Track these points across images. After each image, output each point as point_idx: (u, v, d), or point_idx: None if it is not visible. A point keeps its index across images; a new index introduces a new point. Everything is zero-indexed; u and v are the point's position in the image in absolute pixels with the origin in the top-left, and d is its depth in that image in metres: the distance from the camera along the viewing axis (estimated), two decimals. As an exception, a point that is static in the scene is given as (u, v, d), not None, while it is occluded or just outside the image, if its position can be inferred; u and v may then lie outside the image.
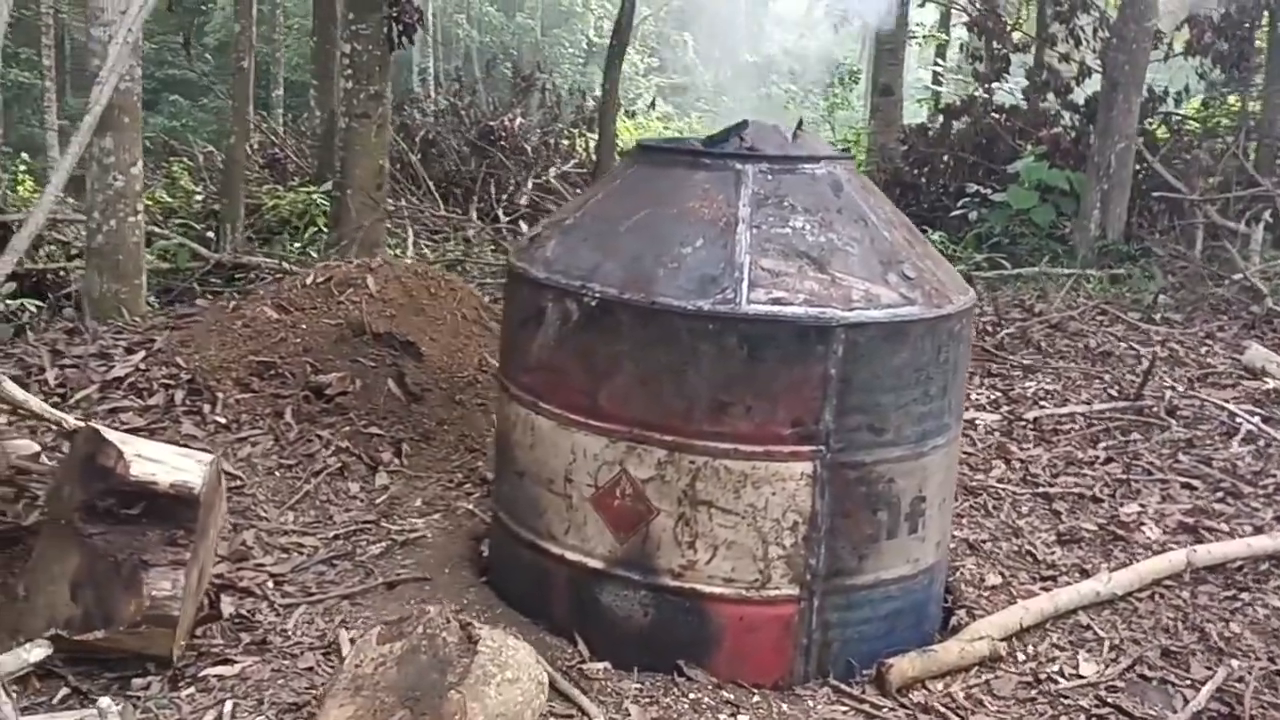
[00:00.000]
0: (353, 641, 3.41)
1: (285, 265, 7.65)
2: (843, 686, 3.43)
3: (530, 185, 11.23)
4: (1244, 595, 4.08)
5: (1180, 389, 6.57)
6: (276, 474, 4.46)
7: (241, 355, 5.00)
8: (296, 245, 9.13)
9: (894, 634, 3.60)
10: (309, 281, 5.43)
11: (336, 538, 4.14)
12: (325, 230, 9.10)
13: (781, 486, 3.33)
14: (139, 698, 3.09)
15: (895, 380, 3.39)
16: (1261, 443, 5.66)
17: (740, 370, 3.27)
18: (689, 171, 3.59)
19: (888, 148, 13.98)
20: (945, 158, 12.99)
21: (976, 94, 13.01)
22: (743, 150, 3.63)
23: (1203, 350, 7.85)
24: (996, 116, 12.61)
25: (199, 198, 10.59)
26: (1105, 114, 10.99)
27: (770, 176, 3.54)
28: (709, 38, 37.50)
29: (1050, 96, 12.48)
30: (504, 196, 11.00)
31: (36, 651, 3.03)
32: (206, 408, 4.73)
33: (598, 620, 3.51)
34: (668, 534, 3.39)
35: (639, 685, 3.36)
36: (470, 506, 4.48)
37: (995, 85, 12.95)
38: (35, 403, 3.32)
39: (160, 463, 3.18)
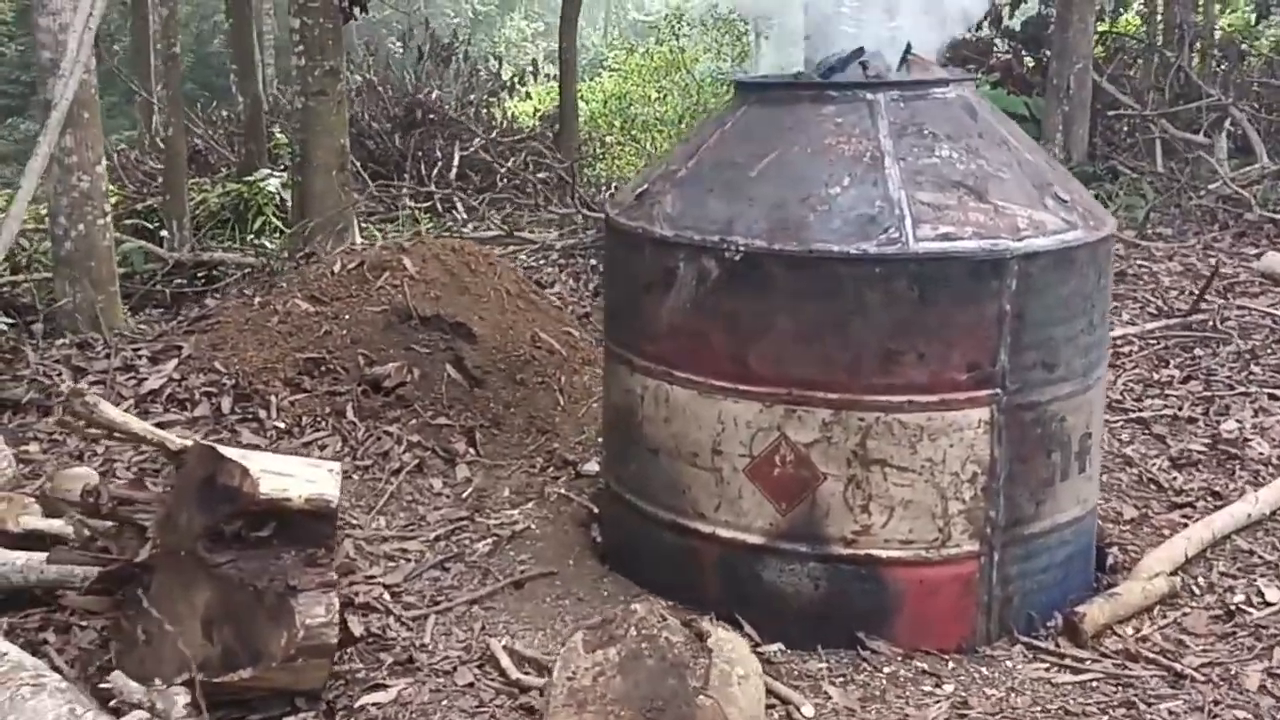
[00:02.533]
0: (507, 650, 3.12)
1: (257, 260, 7.16)
2: (1035, 642, 3.21)
3: (458, 159, 10.70)
4: (1389, 503, 3.95)
5: (1219, 302, 6.48)
6: (354, 477, 4.11)
7: (285, 354, 4.61)
8: (250, 238, 8.60)
9: (1068, 580, 3.40)
10: (337, 269, 5.04)
11: (438, 539, 3.81)
12: (278, 220, 8.60)
13: (959, 436, 3.09)
14: (298, 740, 2.77)
15: (1065, 311, 3.16)
16: (1322, 347, 5.58)
17: (911, 315, 3.01)
18: (814, 106, 3.30)
19: None
20: None
21: None
22: (870, 79, 3.36)
23: (1212, 261, 7.79)
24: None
25: (123, 198, 9.92)
26: (1061, 35, 10.88)
27: (904, 105, 3.27)
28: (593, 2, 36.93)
29: (986, 26, 12.34)
30: (434, 172, 10.49)
31: (179, 699, 2.68)
32: (261, 413, 4.35)
33: (761, 599, 3.25)
34: (837, 499, 3.14)
35: (825, 665, 3.12)
36: (563, 491, 4.18)
37: None
38: (136, 423, 2.95)
39: (290, 476, 2.83)
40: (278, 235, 8.36)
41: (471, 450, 4.40)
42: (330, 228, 7.30)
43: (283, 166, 9.22)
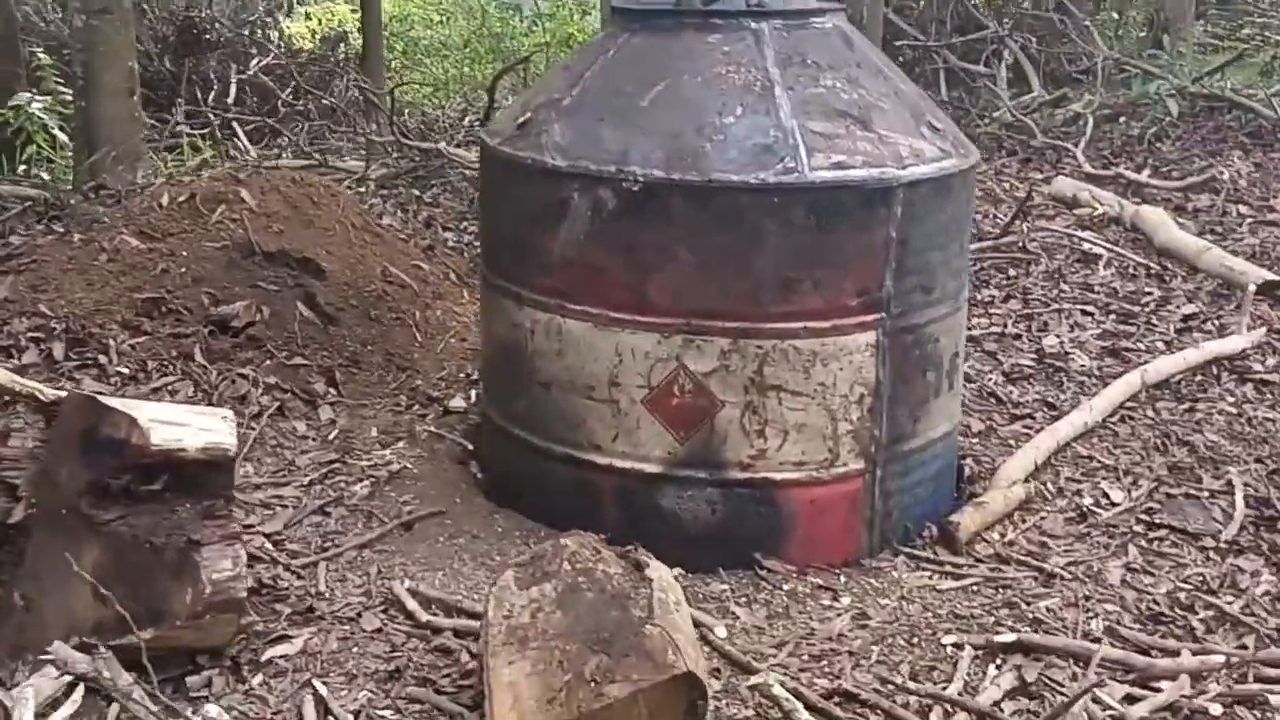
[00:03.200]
0: (411, 593, 3.06)
1: (38, 193, 6.57)
2: (917, 553, 3.40)
3: (235, 83, 10.09)
4: (1199, 406, 4.34)
5: (1020, 224, 6.89)
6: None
7: (119, 294, 4.30)
8: (22, 169, 7.90)
9: (938, 493, 3.61)
10: (165, 203, 4.72)
11: (312, 484, 3.68)
12: (47, 149, 7.93)
13: (849, 360, 3.20)
14: (205, 698, 2.65)
15: (942, 236, 3.31)
16: (1119, 264, 6.03)
17: (808, 243, 3.08)
18: (700, 34, 3.30)
19: None
20: None
21: None
22: (752, 7, 3.38)
23: (1005, 186, 8.27)
24: None
25: None
26: (855, -34, 11.19)
27: (787, 34, 3.31)
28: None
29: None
30: (209, 98, 9.87)
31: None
32: (101, 359, 4.05)
33: (659, 526, 3.29)
34: (734, 425, 3.20)
35: (727, 587, 3.21)
36: (432, 429, 4.09)
37: None
38: (2, 373, 2.69)
39: (183, 425, 2.67)
40: (50, 165, 7.72)
41: (332, 390, 4.25)
42: (126, 158, 6.81)
43: (47, 90, 8.48)
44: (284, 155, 8.35)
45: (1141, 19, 13.38)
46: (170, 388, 4.00)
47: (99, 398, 2.66)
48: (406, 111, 9.93)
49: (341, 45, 11.70)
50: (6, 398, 2.76)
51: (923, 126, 3.32)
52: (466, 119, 9.79)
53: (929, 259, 3.28)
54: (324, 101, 9.89)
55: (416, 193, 7.25)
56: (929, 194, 3.21)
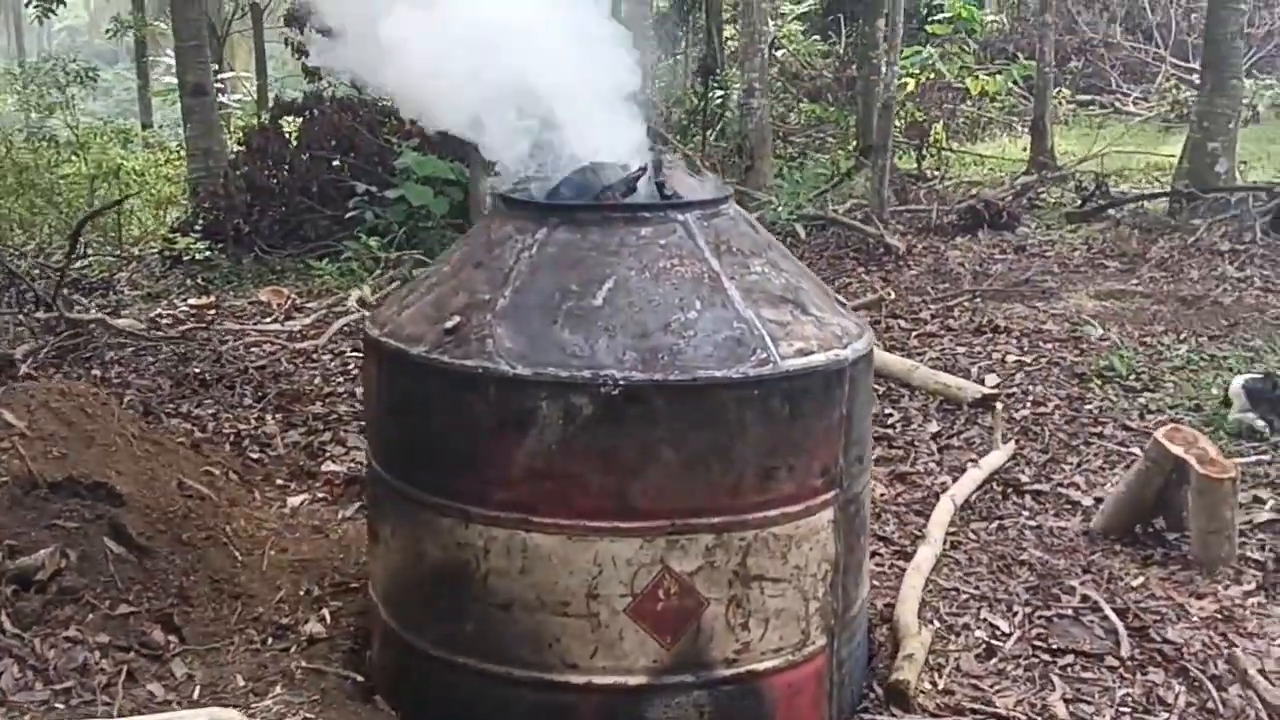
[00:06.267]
0: None
1: None
2: (877, 717, 3.45)
3: None
4: (1005, 523, 4.79)
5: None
6: (58, 707, 3.20)
7: (-128, 559, 3.45)
8: None
9: (863, 653, 3.70)
10: (-107, 433, 3.87)
11: (208, 759, 3.12)
12: None
13: (816, 539, 3.24)
14: None
15: (866, 405, 3.45)
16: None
17: (784, 430, 3.10)
18: (630, 227, 3.25)
19: (212, 151, 13.06)
20: (302, 157, 12.34)
21: (321, 89, 12.62)
22: (669, 198, 3.39)
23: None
24: (340, 112, 12.25)
25: None
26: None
27: (707, 224, 3.34)
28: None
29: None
30: None
31: None
32: (-120, 650, 3.21)
33: (645, 740, 3.12)
34: (720, 622, 3.12)
35: (734, 793, 3.08)
36: (305, 664, 3.62)
37: (330, 80, 12.65)
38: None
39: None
40: None
41: (173, 637, 3.63)
42: None
43: None
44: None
45: (731, 147, 14.71)
46: (-12, 672, 3.24)
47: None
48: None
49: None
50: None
51: (835, 303, 3.47)
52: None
53: (863, 430, 3.40)
54: None
55: (96, 371, 6.46)
56: (863, 369, 3.35)
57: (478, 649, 3.18)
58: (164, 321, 7.80)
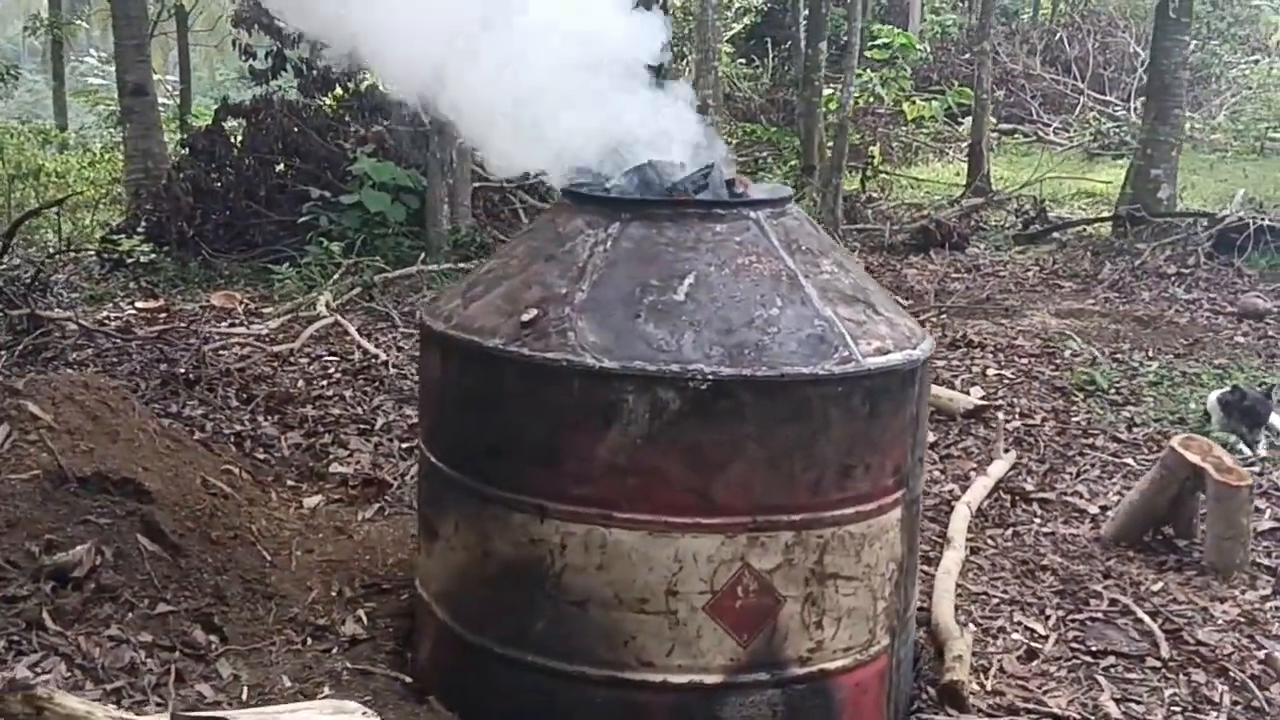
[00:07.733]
0: None
1: None
2: (933, 718, 3.47)
3: None
4: (1019, 529, 4.86)
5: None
6: (106, 706, 3.07)
7: (-97, 555, 3.29)
8: None
9: (912, 650, 3.72)
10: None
11: (274, 761, 3.02)
12: None
13: (885, 538, 3.25)
14: None
15: (926, 406, 3.48)
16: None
17: (863, 428, 3.11)
18: (706, 225, 3.24)
19: (152, 153, 12.78)
20: (247, 161, 12.09)
21: (269, 93, 12.43)
22: (738, 197, 3.39)
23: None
24: (289, 116, 12.08)
25: None
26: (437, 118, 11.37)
27: (776, 222, 3.35)
28: None
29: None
30: None
31: None
32: (-80, 646, 3.06)
33: (718, 740, 3.10)
34: (795, 620, 3.12)
35: (811, 791, 3.07)
36: (350, 664, 3.54)
37: (278, 84, 12.49)
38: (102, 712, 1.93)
39: None
40: None
41: (214, 638, 3.52)
42: None
43: None
44: None
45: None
46: (40, 667, 3.11)
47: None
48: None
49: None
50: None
51: (898, 306, 3.50)
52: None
53: (924, 431, 3.43)
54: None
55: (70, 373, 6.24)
56: (928, 370, 3.38)
57: (549, 647, 3.13)
58: (113, 324, 7.55)
